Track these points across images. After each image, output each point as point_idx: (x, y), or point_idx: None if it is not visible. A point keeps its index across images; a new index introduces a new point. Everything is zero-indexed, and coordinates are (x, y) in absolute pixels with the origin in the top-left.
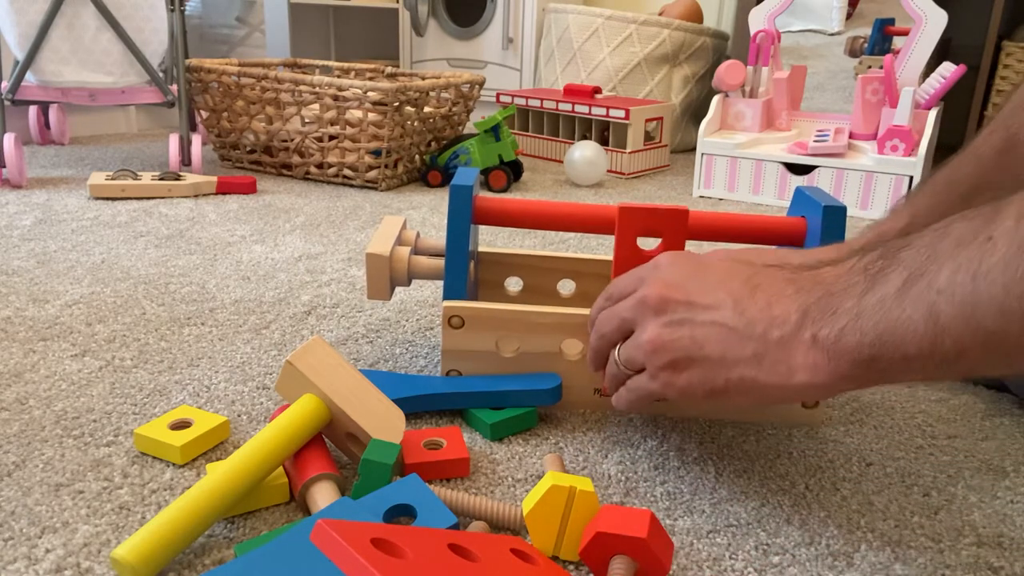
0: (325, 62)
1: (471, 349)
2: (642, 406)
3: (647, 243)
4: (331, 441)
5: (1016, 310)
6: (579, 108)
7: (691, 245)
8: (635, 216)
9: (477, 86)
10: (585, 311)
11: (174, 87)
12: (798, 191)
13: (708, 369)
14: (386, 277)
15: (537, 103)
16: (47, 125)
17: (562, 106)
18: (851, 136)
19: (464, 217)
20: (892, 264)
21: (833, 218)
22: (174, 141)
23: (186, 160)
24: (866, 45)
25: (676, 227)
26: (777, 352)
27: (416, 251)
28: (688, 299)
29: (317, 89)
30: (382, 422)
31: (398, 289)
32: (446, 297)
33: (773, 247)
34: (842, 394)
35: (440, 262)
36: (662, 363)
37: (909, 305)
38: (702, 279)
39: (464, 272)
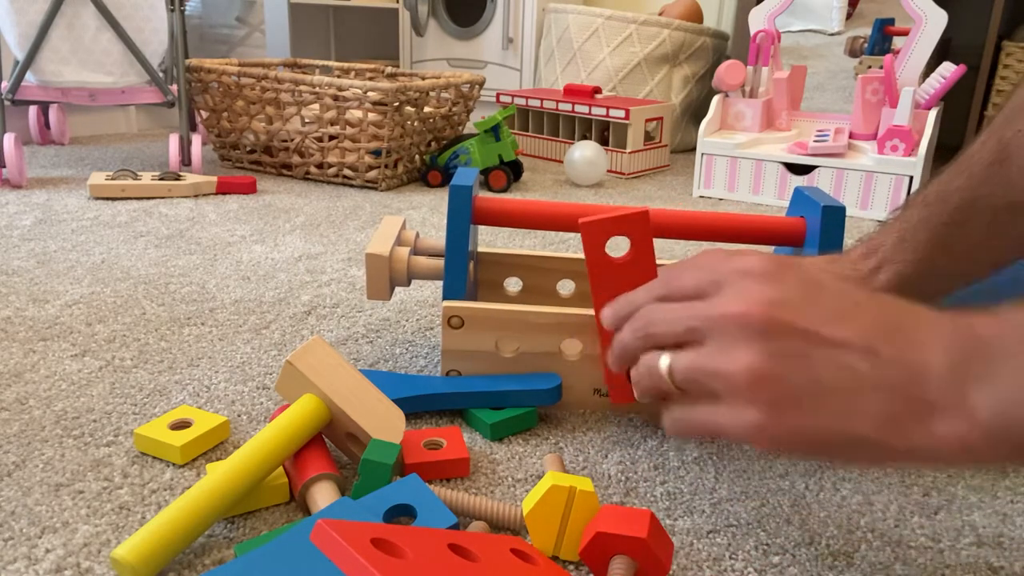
0: (325, 62)
1: (471, 349)
2: (698, 435)
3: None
4: (331, 441)
5: None
6: (579, 108)
7: (691, 246)
8: (597, 228)
9: (477, 86)
10: (584, 311)
11: (174, 87)
12: (797, 191)
13: (822, 419)
14: (386, 277)
15: (537, 103)
16: (47, 125)
17: (562, 106)
18: (851, 136)
19: (464, 217)
20: None
21: (832, 218)
22: (174, 141)
23: (186, 160)
24: (866, 45)
25: (640, 229)
26: (911, 413)
27: (416, 251)
28: (807, 327)
29: (317, 89)
30: (382, 422)
31: (398, 289)
32: (446, 297)
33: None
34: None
35: (439, 262)
36: (759, 400)
37: None
38: (817, 302)
39: (464, 272)
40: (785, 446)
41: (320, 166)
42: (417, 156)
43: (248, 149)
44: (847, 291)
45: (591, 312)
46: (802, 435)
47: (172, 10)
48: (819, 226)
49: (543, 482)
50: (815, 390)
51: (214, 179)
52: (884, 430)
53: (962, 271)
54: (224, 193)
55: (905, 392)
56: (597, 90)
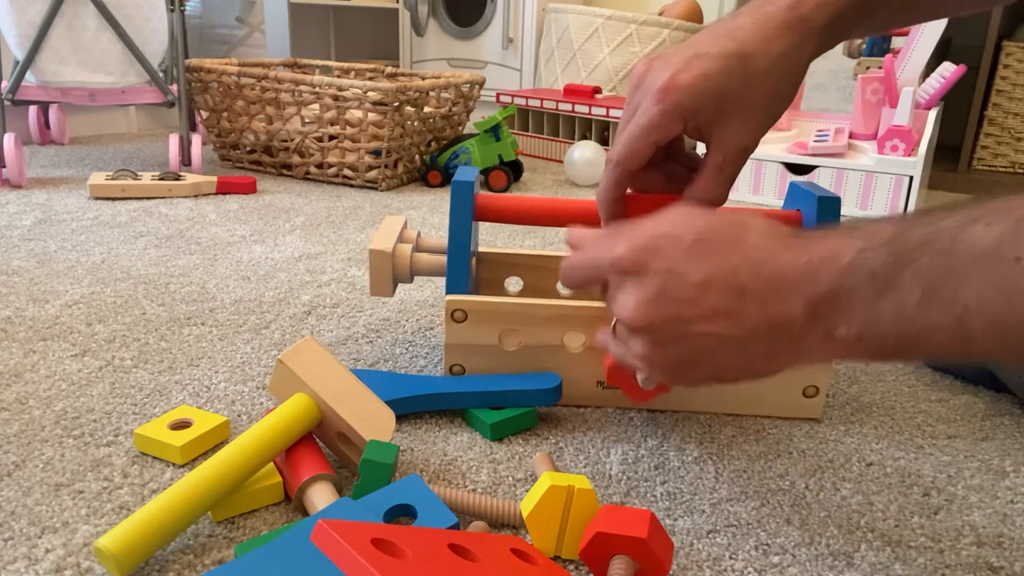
0: (325, 62)
1: (474, 343)
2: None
3: None
4: (322, 441)
5: None
6: (579, 108)
7: None
8: (640, 203)
9: (477, 86)
10: (587, 303)
11: (174, 87)
12: (792, 185)
13: (718, 370)
14: (389, 273)
15: (537, 103)
16: (47, 125)
17: (562, 106)
18: (851, 136)
19: (466, 212)
20: (904, 269)
21: (827, 208)
22: (174, 141)
23: (186, 160)
24: (864, 46)
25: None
26: (788, 349)
27: (417, 249)
28: (675, 313)
29: (317, 89)
30: (372, 422)
31: (398, 289)
32: (448, 292)
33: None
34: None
35: (442, 258)
36: (664, 372)
37: (934, 315)
38: (679, 282)
39: (466, 267)
40: (703, 386)
41: (320, 166)
42: (417, 156)
43: (248, 149)
44: (711, 254)
45: (594, 304)
46: (710, 380)
47: (172, 10)
48: (815, 217)
49: (540, 483)
50: (700, 356)
51: (214, 179)
52: (769, 361)
53: (901, 13)
54: (224, 193)
55: (774, 336)
56: (597, 90)
